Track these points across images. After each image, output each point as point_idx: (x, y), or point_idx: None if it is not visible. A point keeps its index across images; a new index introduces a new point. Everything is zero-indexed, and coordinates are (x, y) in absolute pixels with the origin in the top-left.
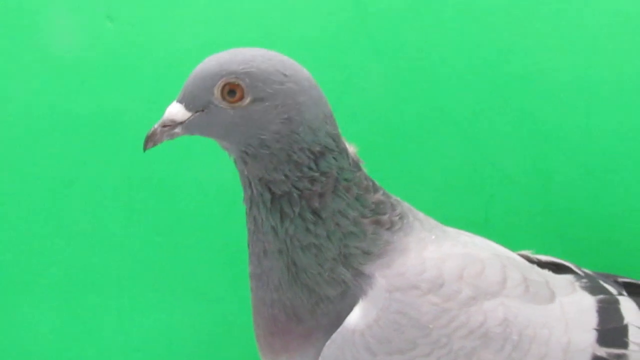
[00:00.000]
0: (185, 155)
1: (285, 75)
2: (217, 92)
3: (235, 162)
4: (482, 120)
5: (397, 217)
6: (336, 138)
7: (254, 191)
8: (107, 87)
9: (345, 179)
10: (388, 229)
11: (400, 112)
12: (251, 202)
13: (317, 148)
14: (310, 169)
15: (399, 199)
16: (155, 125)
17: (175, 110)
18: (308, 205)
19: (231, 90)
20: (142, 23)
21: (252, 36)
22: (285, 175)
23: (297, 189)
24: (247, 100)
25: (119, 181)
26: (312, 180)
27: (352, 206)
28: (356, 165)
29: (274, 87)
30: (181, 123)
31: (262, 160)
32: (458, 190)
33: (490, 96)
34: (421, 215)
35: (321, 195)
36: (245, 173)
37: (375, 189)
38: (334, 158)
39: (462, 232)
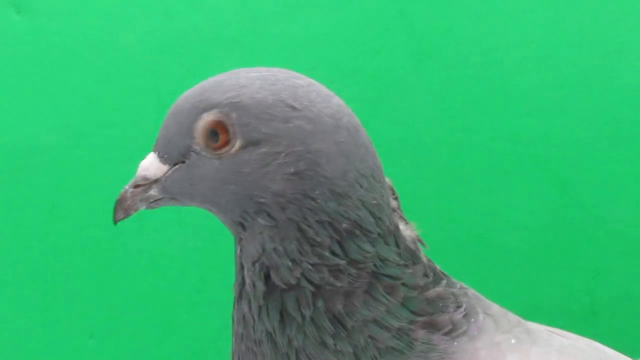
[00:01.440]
0: None
1: (293, 107)
2: (197, 135)
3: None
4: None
5: (462, 316)
6: (378, 211)
7: (245, 279)
8: (15, 88)
9: (389, 276)
10: (447, 333)
11: None
12: (240, 293)
13: (345, 224)
14: (333, 254)
15: (463, 285)
16: (125, 187)
17: (148, 164)
18: (326, 309)
19: (213, 131)
20: (57, 14)
21: (204, 30)
22: (293, 261)
23: (310, 282)
24: (236, 144)
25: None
26: (336, 272)
27: (395, 313)
28: (412, 256)
29: (274, 125)
30: (156, 181)
31: (261, 234)
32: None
33: None
34: (495, 308)
35: (348, 295)
36: (238, 253)
37: (437, 281)
38: (370, 243)
39: (554, 330)
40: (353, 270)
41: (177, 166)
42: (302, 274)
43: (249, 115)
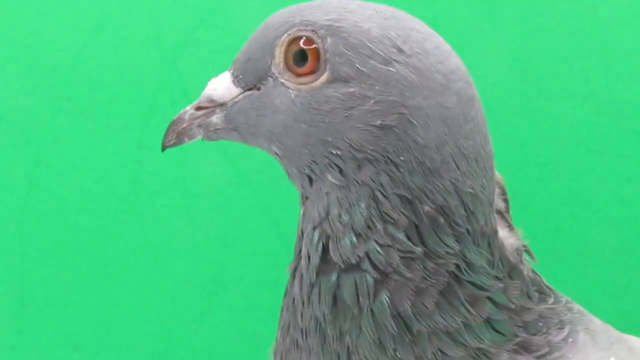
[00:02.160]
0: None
1: (400, 50)
2: (278, 53)
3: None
4: None
5: (562, 338)
6: (472, 204)
7: (302, 251)
8: None
9: (474, 284)
10: (541, 356)
11: None
12: (294, 271)
13: (427, 207)
14: (408, 237)
15: (569, 299)
16: (186, 107)
17: (218, 82)
18: (391, 303)
19: (300, 53)
20: None
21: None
22: (359, 235)
23: (374, 266)
24: (323, 77)
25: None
26: (408, 260)
27: (475, 331)
28: (510, 269)
29: (372, 64)
30: (222, 105)
31: (327, 195)
32: None
33: None
34: (597, 322)
35: (419, 292)
36: (300, 217)
37: (542, 299)
38: (455, 238)
39: None
40: (430, 264)
41: (249, 92)
42: (367, 254)
43: (347, 45)
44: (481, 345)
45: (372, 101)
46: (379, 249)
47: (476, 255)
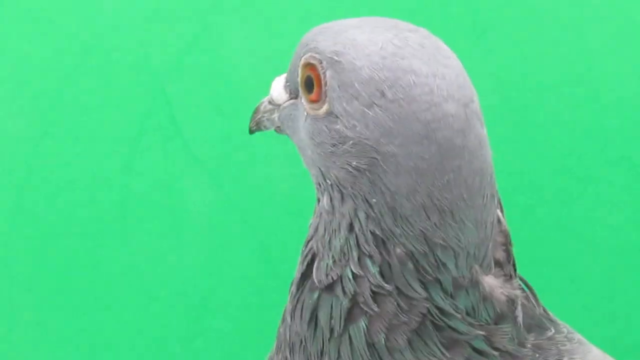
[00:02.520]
0: None
1: (383, 94)
2: (299, 73)
3: None
4: None
5: None
6: (443, 255)
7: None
8: None
9: (451, 328)
10: None
11: None
12: (291, 285)
13: (398, 250)
14: (381, 273)
15: (569, 328)
16: (264, 98)
17: (275, 85)
18: (368, 331)
19: (310, 79)
20: None
21: None
22: (334, 260)
23: (345, 293)
24: (324, 107)
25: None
26: (380, 296)
27: None
28: (500, 318)
29: (356, 105)
30: (278, 106)
31: (320, 215)
32: None
33: None
34: (595, 352)
35: (391, 327)
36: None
37: (541, 333)
38: (421, 284)
39: None
40: (402, 302)
41: (292, 100)
42: (340, 279)
43: (340, 81)
44: None
45: (351, 142)
46: (351, 277)
47: (446, 304)
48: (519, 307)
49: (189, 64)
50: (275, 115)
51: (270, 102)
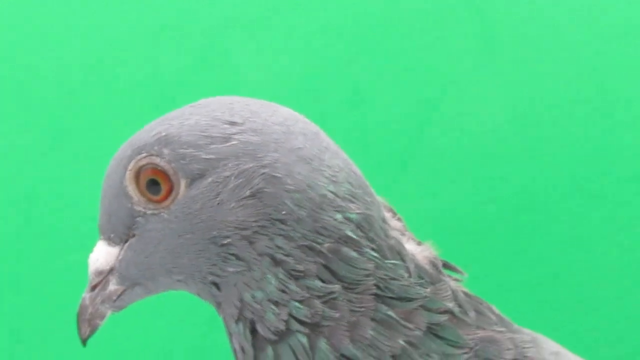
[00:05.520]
0: None
1: (232, 123)
2: (132, 191)
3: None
4: None
5: None
6: (366, 223)
7: (236, 349)
8: None
9: (400, 299)
10: None
11: None
12: None
13: (327, 244)
14: (323, 281)
15: (520, 327)
16: (83, 295)
17: (97, 254)
18: (332, 347)
19: (151, 182)
20: None
21: None
22: (277, 303)
23: (301, 322)
24: (182, 185)
25: None
26: (331, 302)
27: (419, 346)
28: (430, 277)
29: (214, 148)
30: (111, 270)
31: (235, 286)
32: None
33: None
34: (550, 345)
35: (353, 327)
36: (224, 324)
37: (486, 321)
38: (364, 257)
39: None
40: (352, 295)
41: (127, 243)
42: (290, 315)
43: (183, 146)
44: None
45: (233, 177)
46: (299, 305)
47: (392, 267)
48: (442, 270)
49: (197, 79)
50: (112, 283)
51: (94, 285)
